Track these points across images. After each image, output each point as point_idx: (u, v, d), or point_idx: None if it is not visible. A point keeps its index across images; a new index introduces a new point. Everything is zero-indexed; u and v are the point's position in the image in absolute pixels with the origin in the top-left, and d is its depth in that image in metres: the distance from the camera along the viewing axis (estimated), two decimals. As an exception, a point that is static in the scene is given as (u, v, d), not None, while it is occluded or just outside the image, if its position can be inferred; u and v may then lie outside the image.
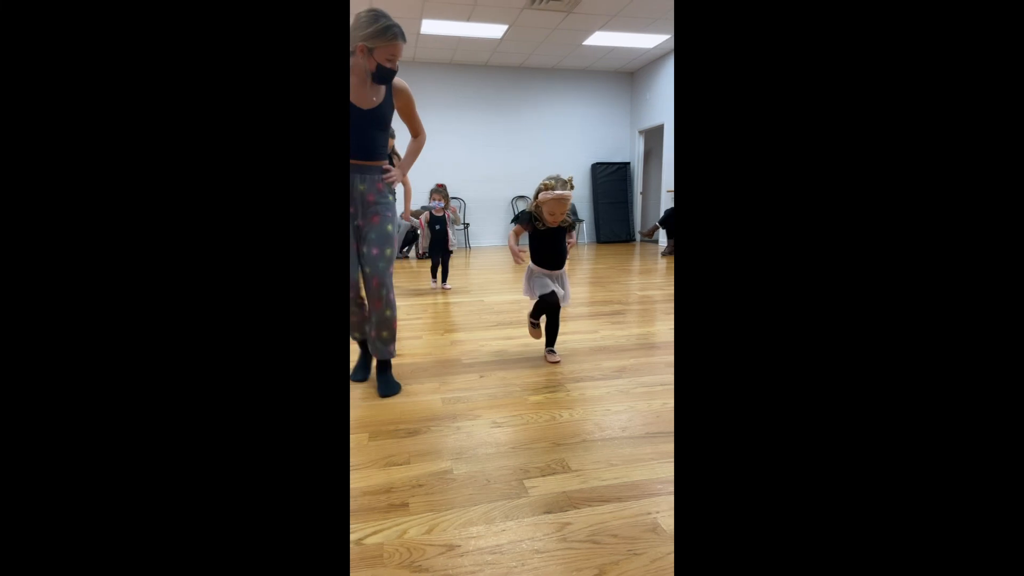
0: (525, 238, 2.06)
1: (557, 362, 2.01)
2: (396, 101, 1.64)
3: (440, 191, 3.78)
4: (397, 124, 2.02)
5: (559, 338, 2.12)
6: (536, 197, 1.92)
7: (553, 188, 1.85)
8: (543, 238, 1.98)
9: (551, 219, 1.89)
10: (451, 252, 3.80)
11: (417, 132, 1.78)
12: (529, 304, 2.28)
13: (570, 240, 2.02)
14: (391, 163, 1.74)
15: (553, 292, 1.95)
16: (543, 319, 2.09)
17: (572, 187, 1.87)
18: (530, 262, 2.03)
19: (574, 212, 2.04)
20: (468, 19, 5.50)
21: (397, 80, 1.60)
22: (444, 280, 3.78)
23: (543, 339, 2.12)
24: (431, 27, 5.69)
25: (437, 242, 3.71)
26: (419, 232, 4.45)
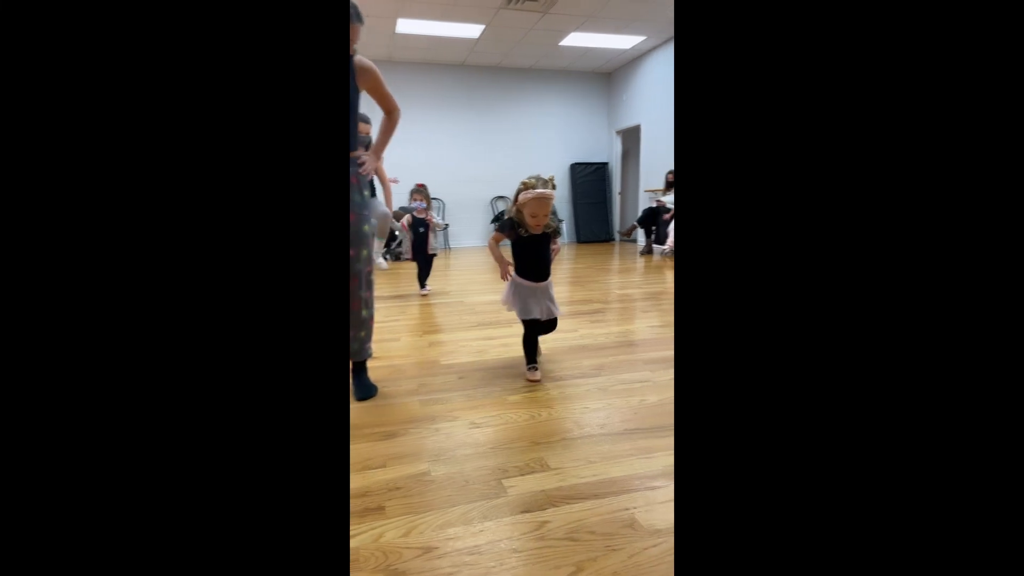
0: (506, 243, 1.89)
1: (537, 380, 1.78)
2: (361, 83, 1.56)
3: (421, 191, 3.57)
4: (374, 112, 1.93)
5: (541, 341, 2.04)
6: (516, 200, 1.75)
7: (534, 187, 1.70)
8: (526, 246, 1.79)
9: (533, 222, 1.72)
10: (434, 255, 3.60)
11: (390, 110, 1.69)
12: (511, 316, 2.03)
13: (554, 247, 1.84)
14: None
15: (536, 320, 1.79)
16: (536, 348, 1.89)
17: (554, 186, 1.72)
18: (512, 273, 1.85)
19: (554, 213, 1.83)
20: (444, 18, 5.48)
21: (359, 59, 1.52)
22: (423, 284, 3.60)
23: (538, 352, 1.93)
24: (407, 26, 5.65)
25: (420, 245, 3.51)
26: (397, 234, 4.23)
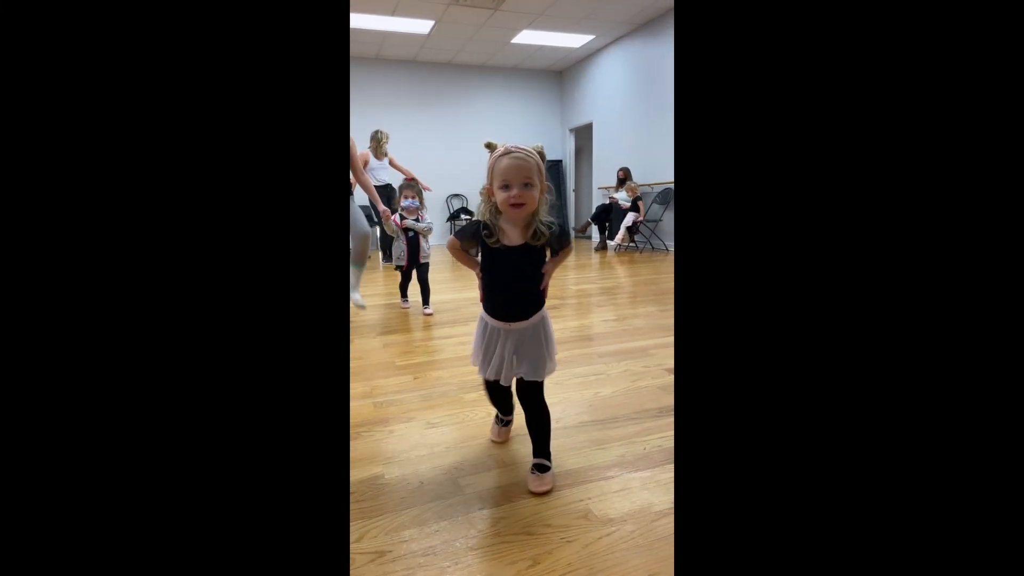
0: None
1: (502, 441, 1.30)
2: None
3: (412, 186, 2.85)
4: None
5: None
6: (488, 180, 1.04)
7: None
8: (497, 263, 1.07)
9: (507, 200, 0.99)
10: (426, 263, 2.90)
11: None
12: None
13: (548, 267, 1.08)
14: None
15: (499, 381, 1.11)
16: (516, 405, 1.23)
17: (542, 156, 1.03)
18: (482, 310, 1.14)
19: (553, 222, 1.07)
20: (393, 13, 5.38)
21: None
22: (426, 302, 2.86)
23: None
24: (356, 20, 5.51)
25: (413, 252, 2.85)
26: (393, 238, 3.23)
